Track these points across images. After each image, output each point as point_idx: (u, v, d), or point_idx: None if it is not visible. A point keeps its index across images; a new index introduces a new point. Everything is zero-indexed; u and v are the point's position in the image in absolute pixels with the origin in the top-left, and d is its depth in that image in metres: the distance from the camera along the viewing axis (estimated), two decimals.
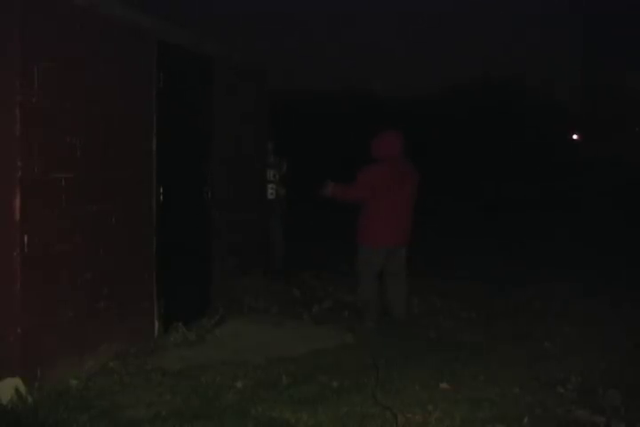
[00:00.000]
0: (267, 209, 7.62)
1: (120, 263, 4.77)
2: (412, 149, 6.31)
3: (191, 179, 5.77)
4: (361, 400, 4.03)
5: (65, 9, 4.20)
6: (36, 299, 4.00)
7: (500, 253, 9.59)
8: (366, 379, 4.38)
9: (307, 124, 22.97)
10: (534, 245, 10.42)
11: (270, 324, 5.79)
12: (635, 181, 21.70)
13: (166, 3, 5.14)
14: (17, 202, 3.86)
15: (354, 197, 5.90)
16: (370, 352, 4.94)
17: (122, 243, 4.78)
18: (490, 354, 4.96)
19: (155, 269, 5.19)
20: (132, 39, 4.91)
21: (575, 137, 29.05)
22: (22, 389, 3.84)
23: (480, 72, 26.89)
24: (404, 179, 5.86)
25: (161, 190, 5.23)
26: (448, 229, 11.84)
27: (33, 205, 3.95)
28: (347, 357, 4.90)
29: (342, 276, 7.77)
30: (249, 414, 3.79)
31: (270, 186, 7.89)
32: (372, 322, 5.85)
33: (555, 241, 10.77)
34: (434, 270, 7.85)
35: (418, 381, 4.35)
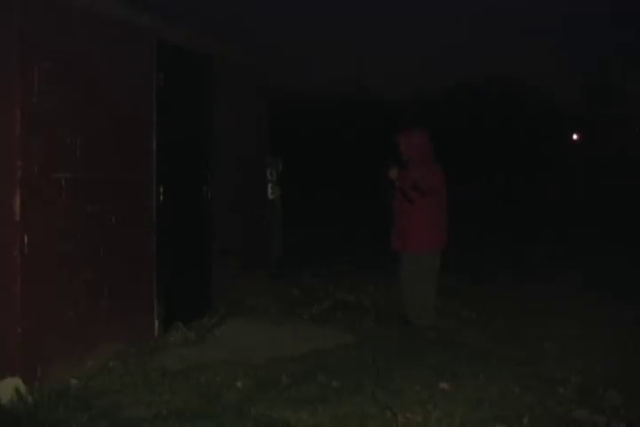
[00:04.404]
0: (267, 209, 7.63)
1: (120, 263, 4.77)
2: None
3: (191, 179, 5.77)
4: (361, 400, 4.03)
5: (65, 9, 4.20)
6: (36, 299, 4.01)
7: (499, 253, 9.60)
8: (366, 379, 4.37)
9: (306, 123, 22.98)
10: (534, 245, 10.43)
11: (270, 324, 5.79)
12: (635, 180, 21.71)
13: (166, 2, 5.13)
14: (17, 202, 3.87)
15: (432, 194, 5.70)
16: (370, 352, 4.94)
17: (122, 243, 4.78)
18: (490, 354, 4.95)
19: (155, 270, 5.19)
20: (131, 39, 4.91)
21: (575, 137, 29.08)
22: (22, 389, 3.84)
23: (481, 73, 26.95)
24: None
25: (161, 190, 5.24)
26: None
27: (33, 205, 3.96)
28: (347, 357, 4.90)
29: (342, 276, 7.78)
30: (249, 414, 3.79)
31: (270, 185, 7.90)
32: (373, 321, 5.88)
33: (554, 241, 10.77)
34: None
35: (418, 381, 4.35)
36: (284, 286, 7.10)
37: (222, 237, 6.12)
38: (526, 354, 4.98)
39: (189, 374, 4.45)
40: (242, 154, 6.64)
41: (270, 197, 7.89)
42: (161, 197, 5.24)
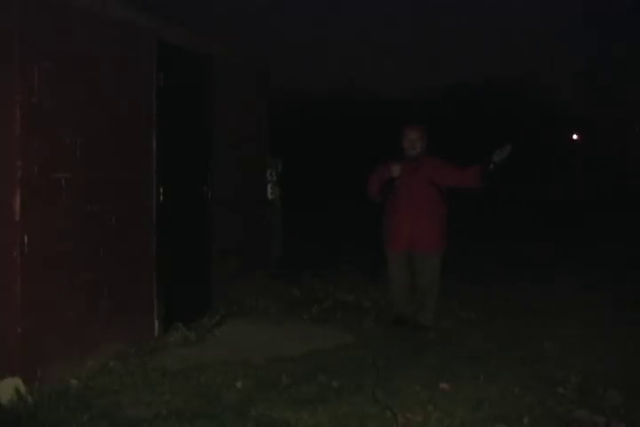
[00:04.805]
0: (267, 209, 7.63)
1: (120, 263, 4.77)
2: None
3: (191, 179, 5.77)
4: (361, 400, 4.03)
5: (65, 9, 4.20)
6: (36, 299, 4.01)
7: (499, 253, 9.60)
8: (366, 379, 4.37)
9: (306, 123, 22.98)
10: (534, 245, 10.42)
11: (270, 324, 5.79)
12: (635, 180, 21.71)
13: (166, 2, 5.14)
14: (17, 202, 3.87)
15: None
16: (370, 352, 4.94)
17: (122, 243, 4.78)
18: (490, 354, 4.95)
19: (155, 270, 5.19)
20: (132, 39, 4.91)
21: (575, 137, 29.07)
22: (22, 389, 3.84)
23: (481, 72, 26.96)
24: None
25: (161, 190, 5.24)
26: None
27: (33, 205, 3.96)
28: (347, 357, 4.90)
29: (342, 276, 7.78)
30: (249, 414, 3.79)
31: (269, 186, 7.91)
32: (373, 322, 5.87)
33: (554, 241, 10.77)
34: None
35: (418, 381, 4.35)
36: (283, 286, 7.09)
37: (222, 237, 6.13)
38: (526, 354, 4.97)
39: (189, 374, 4.45)
40: (242, 154, 6.64)
41: (270, 197, 7.90)
42: (161, 197, 5.24)
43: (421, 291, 5.75)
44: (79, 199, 4.35)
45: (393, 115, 21.20)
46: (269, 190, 7.89)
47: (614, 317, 6.02)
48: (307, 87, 24.51)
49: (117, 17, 4.70)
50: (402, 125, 5.87)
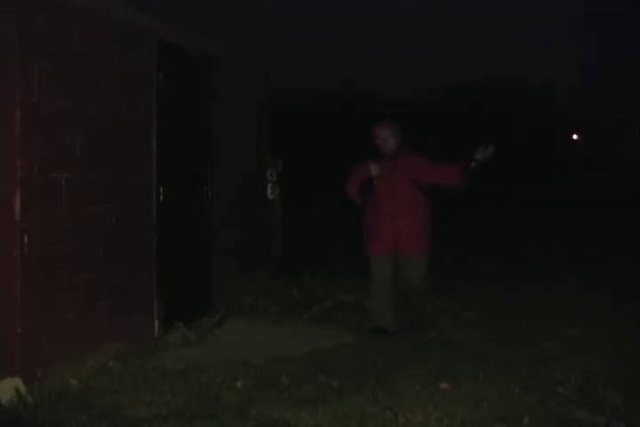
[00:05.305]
0: (267, 209, 7.63)
1: (120, 263, 4.77)
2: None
3: (191, 179, 5.77)
4: (361, 400, 4.02)
5: (65, 9, 4.20)
6: (36, 299, 4.01)
7: (499, 253, 9.59)
8: (366, 379, 4.37)
9: (306, 124, 22.99)
10: (534, 245, 10.42)
11: (270, 324, 5.79)
12: (635, 180, 21.71)
13: (166, 3, 5.15)
14: (17, 202, 3.87)
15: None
16: (370, 352, 4.94)
17: (122, 243, 4.78)
18: (490, 354, 4.95)
19: (155, 269, 5.19)
20: (132, 39, 4.91)
21: (575, 137, 29.10)
22: (22, 389, 3.84)
23: (481, 72, 27.00)
24: None
25: (161, 190, 5.24)
26: (446, 229, 11.83)
27: (33, 205, 3.96)
28: (347, 357, 4.90)
29: (342, 276, 7.78)
30: (249, 414, 3.79)
31: (269, 185, 7.91)
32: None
33: (554, 241, 10.77)
34: (433, 271, 7.85)
35: (418, 381, 4.35)
36: (283, 286, 7.10)
37: (222, 237, 6.13)
38: (526, 354, 4.97)
39: (189, 374, 4.44)
40: (242, 154, 6.64)
41: (270, 197, 7.90)
42: (161, 197, 5.24)
43: (411, 292, 5.69)
44: (79, 199, 4.35)
45: (393, 115, 21.21)
46: (269, 190, 7.89)
47: (614, 317, 6.02)
48: (306, 87, 24.53)
49: (117, 17, 4.70)
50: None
